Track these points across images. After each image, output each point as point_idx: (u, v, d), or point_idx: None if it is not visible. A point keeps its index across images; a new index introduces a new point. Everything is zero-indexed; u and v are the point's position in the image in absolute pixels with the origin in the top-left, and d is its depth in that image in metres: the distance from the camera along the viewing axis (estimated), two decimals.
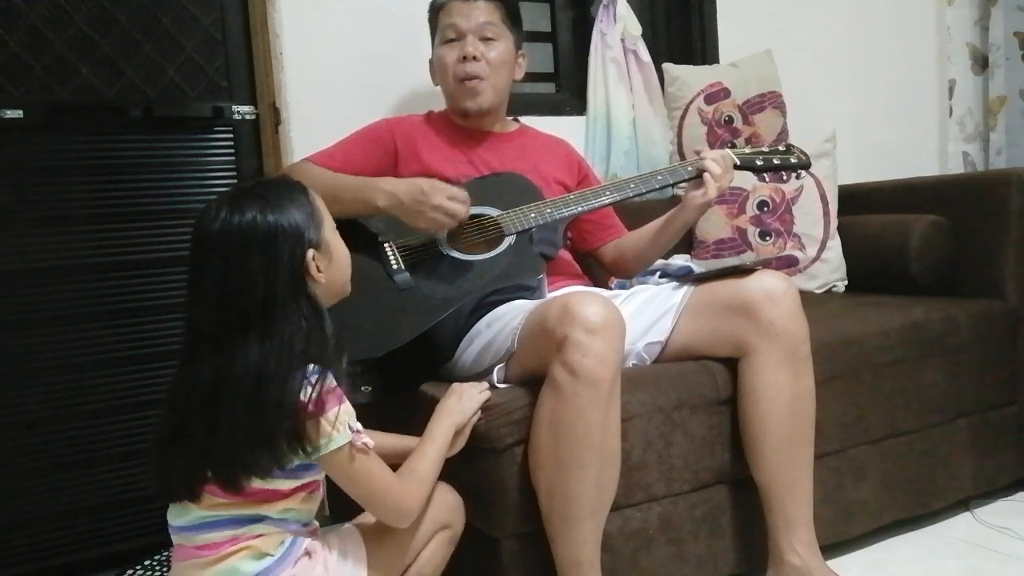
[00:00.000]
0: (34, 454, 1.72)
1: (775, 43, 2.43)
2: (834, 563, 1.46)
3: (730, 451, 1.45)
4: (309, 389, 0.99)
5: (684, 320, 1.46)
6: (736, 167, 1.63)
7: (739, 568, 1.49)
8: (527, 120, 1.92)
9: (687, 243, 2.20)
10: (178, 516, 1.05)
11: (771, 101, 2.33)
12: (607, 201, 1.61)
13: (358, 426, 1.05)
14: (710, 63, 2.53)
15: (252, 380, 0.97)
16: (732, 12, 2.57)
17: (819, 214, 2.18)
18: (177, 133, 1.84)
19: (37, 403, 1.73)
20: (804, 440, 1.41)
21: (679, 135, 2.33)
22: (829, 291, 2.16)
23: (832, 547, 1.55)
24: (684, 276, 1.62)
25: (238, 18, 1.90)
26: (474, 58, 1.68)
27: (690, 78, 2.33)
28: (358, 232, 1.54)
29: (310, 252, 1.04)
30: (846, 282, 2.17)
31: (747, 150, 1.69)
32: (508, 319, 1.40)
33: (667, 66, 2.36)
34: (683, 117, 2.31)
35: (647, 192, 1.63)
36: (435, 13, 1.76)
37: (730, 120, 2.30)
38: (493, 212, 1.57)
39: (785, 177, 2.20)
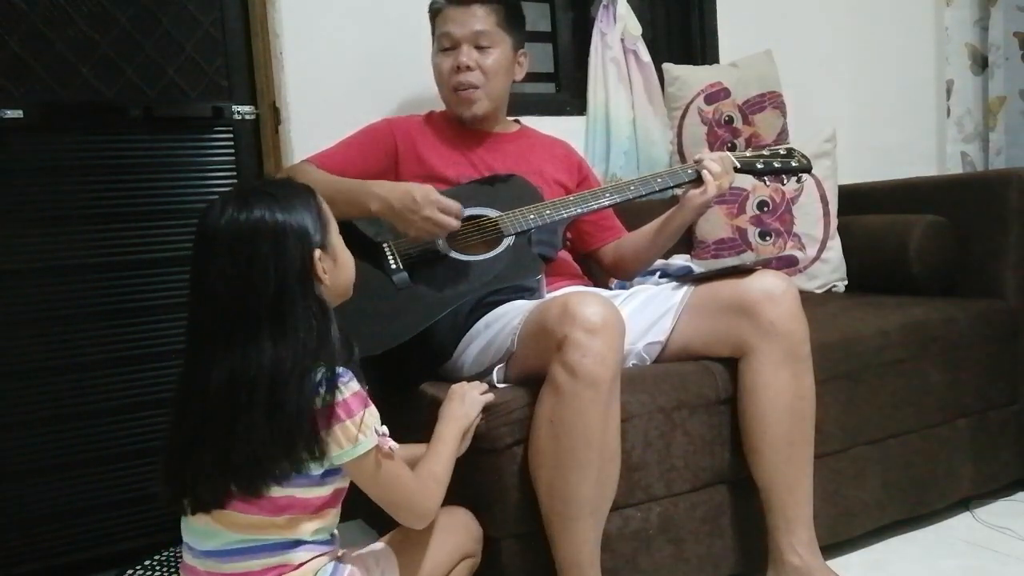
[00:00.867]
0: (34, 454, 1.72)
1: (775, 43, 2.43)
2: (834, 563, 1.46)
3: (730, 451, 1.45)
4: (330, 391, 0.98)
5: (684, 320, 1.46)
6: (736, 170, 1.63)
7: (739, 568, 1.49)
8: (527, 120, 1.92)
9: (687, 243, 2.21)
10: (204, 539, 1.02)
11: (771, 101, 2.33)
12: (606, 203, 1.61)
13: (384, 429, 1.04)
14: (710, 63, 2.53)
15: (268, 381, 0.96)
16: (732, 12, 2.57)
17: (819, 214, 2.18)
18: (177, 133, 1.84)
19: (37, 403, 1.73)
20: (804, 440, 1.41)
21: (679, 135, 2.33)
22: (829, 291, 2.16)
23: (832, 547, 1.55)
24: (684, 276, 1.62)
25: (238, 18, 1.90)
26: (468, 68, 1.68)
27: (690, 78, 2.33)
28: (358, 232, 1.55)
29: (317, 252, 1.03)
30: (846, 282, 2.17)
31: (748, 153, 1.68)
32: (508, 319, 1.40)
33: (667, 66, 2.36)
34: (683, 117, 2.31)
35: (647, 194, 1.63)
36: (433, 17, 1.75)
37: (730, 120, 2.30)
38: (492, 213, 1.57)
39: (786, 179, 2.19)
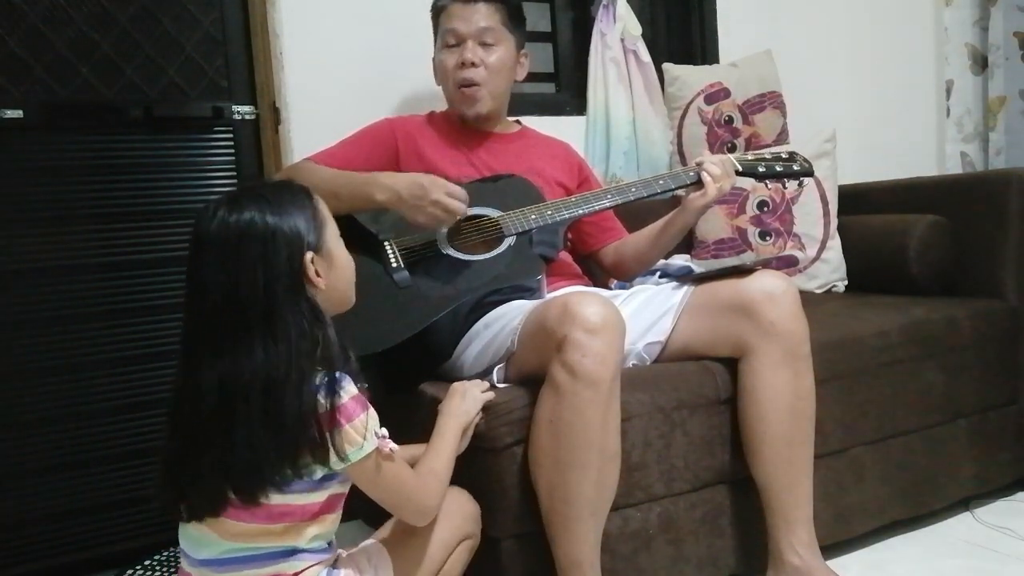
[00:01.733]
0: (34, 454, 1.72)
1: (775, 43, 2.43)
2: (834, 563, 1.46)
3: (730, 451, 1.45)
4: (328, 396, 0.97)
5: (684, 320, 1.46)
6: (738, 173, 1.63)
7: (739, 568, 1.49)
8: (527, 120, 1.92)
9: (687, 243, 2.20)
10: (199, 548, 1.02)
11: (771, 101, 2.33)
12: (607, 204, 1.61)
13: (383, 432, 1.03)
14: (710, 63, 2.53)
15: (261, 386, 0.95)
16: (732, 12, 2.57)
17: (819, 214, 2.18)
18: (177, 133, 1.84)
19: (37, 403, 1.72)
20: (804, 440, 1.41)
21: (679, 135, 2.33)
22: (829, 291, 2.16)
23: (832, 547, 1.55)
24: (684, 276, 1.62)
25: (238, 18, 1.90)
26: (472, 64, 1.68)
27: (690, 78, 2.33)
28: (358, 229, 1.55)
29: (308, 255, 1.01)
30: (846, 282, 2.17)
31: (749, 157, 1.68)
32: (508, 319, 1.40)
33: (667, 66, 2.36)
34: (683, 117, 2.31)
35: (648, 196, 1.63)
36: (436, 15, 1.75)
37: (730, 120, 2.30)
38: (493, 213, 1.57)
39: (786, 182, 2.19)
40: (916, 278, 1.95)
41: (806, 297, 1.54)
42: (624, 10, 2.29)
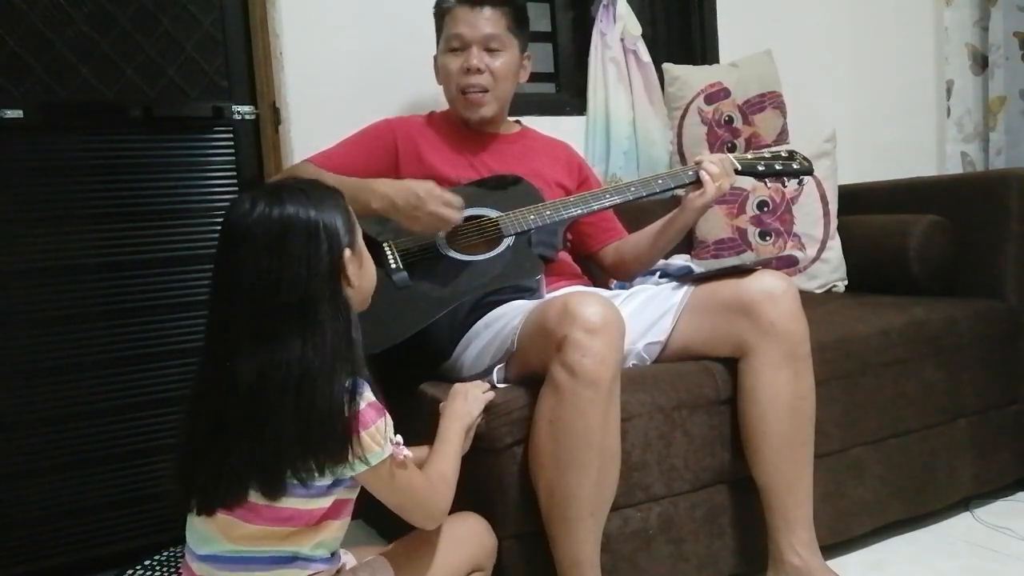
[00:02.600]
0: (34, 454, 1.72)
1: (775, 43, 2.43)
2: (834, 563, 1.46)
3: (730, 451, 1.45)
4: (349, 401, 0.97)
5: (684, 320, 1.46)
6: (737, 172, 1.63)
7: (739, 568, 1.49)
8: (527, 120, 1.92)
9: (687, 243, 2.20)
10: (202, 543, 1.02)
11: (771, 101, 2.33)
12: (607, 204, 1.61)
13: (398, 438, 1.03)
14: (710, 63, 2.53)
15: (296, 380, 0.94)
16: (732, 12, 2.57)
17: (819, 214, 2.18)
18: (177, 133, 1.84)
19: (37, 403, 1.72)
20: (804, 440, 1.41)
21: (679, 135, 2.33)
22: (829, 291, 2.16)
23: (832, 547, 1.55)
24: (684, 276, 1.62)
25: (238, 18, 1.90)
26: (478, 70, 1.68)
27: (690, 78, 2.33)
28: None
29: (347, 252, 1.01)
30: (846, 282, 2.17)
31: (749, 156, 1.68)
32: (508, 319, 1.40)
33: (667, 66, 2.36)
34: (683, 117, 2.31)
35: (647, 196, 1.63)
36: (440, 17, 1.74)
37: (730, 120, 2.30)
38: (492, 213, 1.57)
39: (786, 181, 2.20)
40: (916, 278, 1.95)
41: (806, 297, 1.54)
42: (624, 10, 2.29)
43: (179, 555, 1.65)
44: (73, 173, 1.75)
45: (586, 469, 1.23)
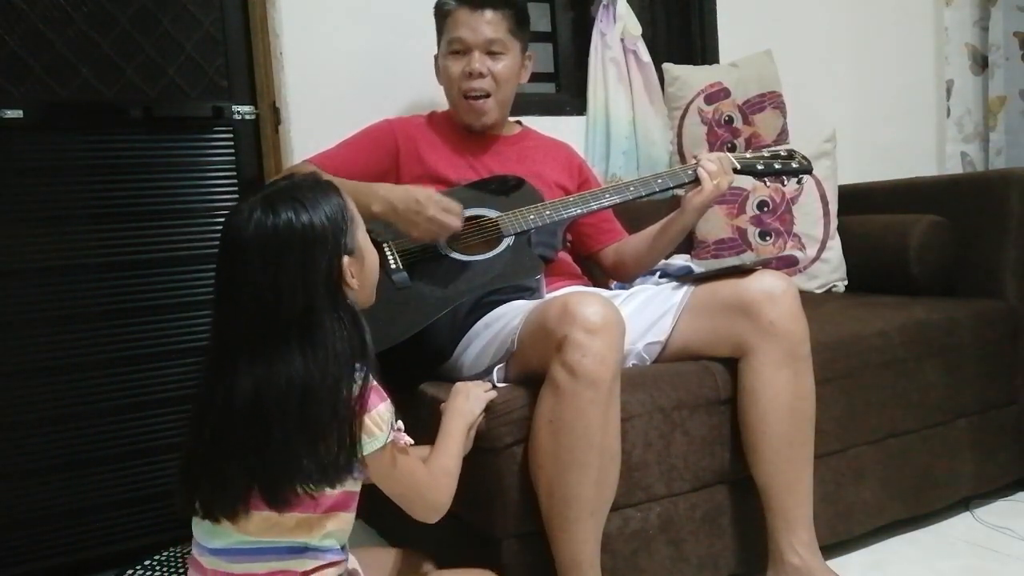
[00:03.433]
0: (34, 454, 1.72)
1: (775, 43, 2.43)
2: (834, 563, 1.46)
3: (730, 451, 1.45)
4: (356, 388, 0.97)
5: (684, 320, 1.46)
6: (736, 171, 1.63)
7: (739, 568, 1.49)
8: (527, 120, 1.92)
9: (687, 243, 2.20)
10: (213, 537, 1.01)
11: (771, 101, 2.33)
12: (606, 204, 1.61)
13: (399, 424, 1.03)
14: (710, 63, 2.53)
15: (299, 396, 0.94)
16: (732, 12, 2.57)
17: (819, 214, 2.18)
18: (177, 133, 1.84)
19: (37, 403, 1.72)
20: (804, 440, 1.41)
21: (679, 135, 2.33)
22: (829, 291, 2.16)
23: (832, 547, 1.55)
24: (684, 276, 1.62)
25: (238, 18, 1.90)
26: (480, 75, 1.67)
27: (690, 78, 2.33)
28: None
29: (346, 259, 1.01)
30: (846, 282, 2.17)
31: (748, 155, 1.68)
32: (508, 319, 1.40)
33: (667, 66, 2.36)
34: (683, 117, 2.32)
35: (647, 195, 1.63)
36: (441, 18, 1.74)
37: (730, 120, 2.30)
38: (492, 213, 1.57)
39: (786, 180, 2.20)
40: (916, 278, 1.95)
41: (806, 297, 1.54)
42: (624, 10, 2.29)
43: (179, 555, 1.64)
44: (73, 173, 1.75)
45: (586, 469, 1.23)
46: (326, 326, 0.97)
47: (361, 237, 1.07)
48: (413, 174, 1.67)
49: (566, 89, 2.45)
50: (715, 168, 1.57)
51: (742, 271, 1.46)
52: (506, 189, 1.63)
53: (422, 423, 1.24)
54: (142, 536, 1.81)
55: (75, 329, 1.75)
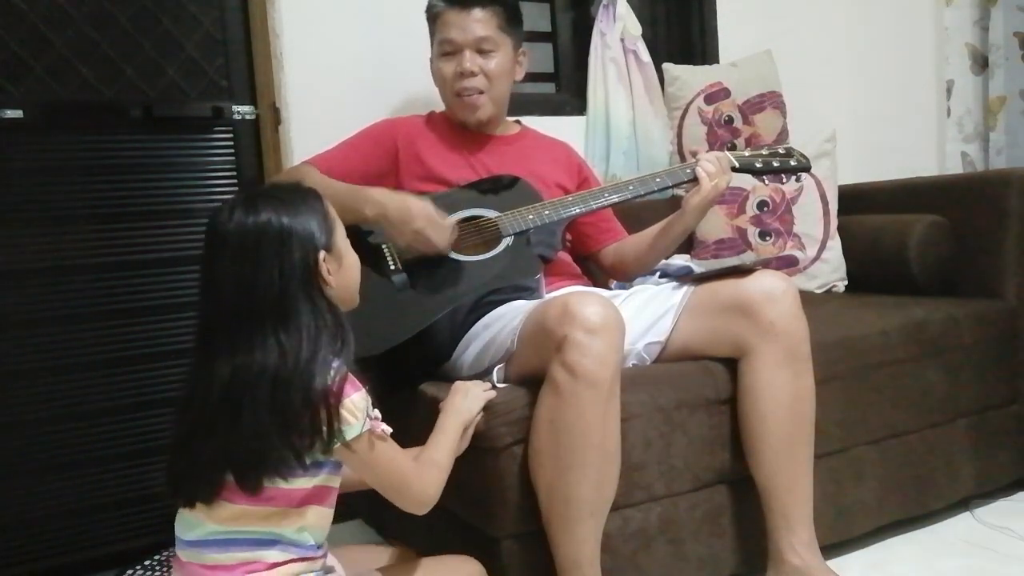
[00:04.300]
0: (34, 454, 1.72)
1: (775, 43, 2.43)
2: (834, 563, 1.46)
3: (730, 451, 1.45)
4: (330, 377, 0.99)
5: (684, 320, 1.46)
6: (735, 170, 1.63)
7: (739, 568, 1.49)
8: (527, 120, 1.92)
9: (687, 243, 2.20)
10: (188, 529, 1.04)
11: (771, 101, 2.33)
12: (605, 203, 1.61)
13: (376, 413, 1.05)
14: (710, 63, 2.53)
15: (270, 382, 0.98)
16: (732, 12, 2.57)
17: (819, 214, 2.18)
18: (177, 133, 1.84)
19: (37, 403, 1.72)
20: (804, 440, 1.41)
21: (679, 135, 2.33)
22: (829, 291, 2.16)
23: (832, 547, 1.55)
24: (684, 276, 1.62)
25: (238, 18, 1.90)
26: (472, 73, 1.67)
27: (690, 78, 2.33)
28: (357, 233, 1.54)
29: (321, 254, 1.04)
30: (846, 282, 2.17)
31: (746, 153, 1.68)
32: (507, 319, 1.40)
33: (667, 66, 2.36)
34: (683, 117, 2.32)
35: (646, 194, 1.62)
36: (431, 21, 1.73)
37: (730, 120, 2.30)
38: (491, 213, 1.57)
39: (785, 179, 2.20)
40: (916, 278, 1.95)
41: (806, 297, 1.54)
42: (624, 10, 2.29)
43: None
44: (73, 173, 1.75)
45: (586, 469, 1.23)
46: (301, 317, 1.01)
47: (340, 239, 1.10)
48: (412, 174, 1.67)
49: (566, 89, 2.45)
50: (713, 168, 1.57)
51: (742, 271, 1.46)
52: (505, 189, 1.63)
53: (422, 423, 1.24)
54: (142, 536, 1.81)
55: (75, 329, 1.75)
